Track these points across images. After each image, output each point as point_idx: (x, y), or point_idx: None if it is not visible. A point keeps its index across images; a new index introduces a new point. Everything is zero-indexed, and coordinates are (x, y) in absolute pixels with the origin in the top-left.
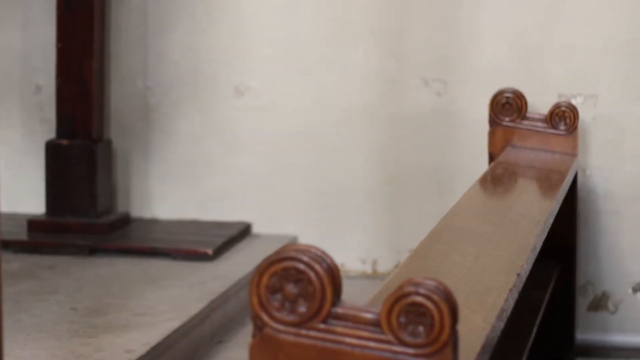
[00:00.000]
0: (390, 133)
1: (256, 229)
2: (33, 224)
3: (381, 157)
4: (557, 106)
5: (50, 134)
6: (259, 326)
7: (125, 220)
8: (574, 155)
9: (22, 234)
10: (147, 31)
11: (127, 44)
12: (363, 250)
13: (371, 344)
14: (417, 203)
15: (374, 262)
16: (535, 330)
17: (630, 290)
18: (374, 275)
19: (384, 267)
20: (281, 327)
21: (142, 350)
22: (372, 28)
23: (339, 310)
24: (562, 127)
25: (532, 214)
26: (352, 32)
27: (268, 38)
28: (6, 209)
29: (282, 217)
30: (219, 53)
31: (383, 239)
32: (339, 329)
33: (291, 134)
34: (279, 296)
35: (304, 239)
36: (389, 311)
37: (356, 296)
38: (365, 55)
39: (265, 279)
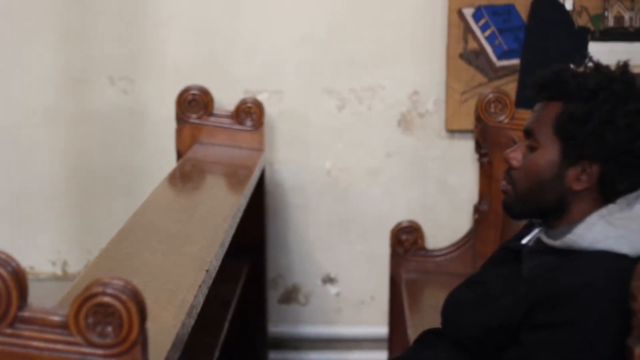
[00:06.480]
0: (76, 133)
1: None
2: None
3: (68, 157)
4: (243, 102)
5: None
6: None
7: None
8: (261, 150)
9: None
10: None
11: None
12: (53, 251)
13: (59, 346)
14: (107, 202)
15: (65, 263)
16: (227, 325)
17: (319, 282)
18: (65, 277)
19: (74, 267)
20: None
21: None
22: (56, 25)
23: (25, 313)
24: (248, 123)
25: (220, 209)
26: (34, 30)
27: None
28: None
29: None
30: None
31: (73, 239)
32: (27, 333)
33: None
34: None
35: None
36: (77, 313)
37: (46, 298)
38: (49, 54)
39: None
